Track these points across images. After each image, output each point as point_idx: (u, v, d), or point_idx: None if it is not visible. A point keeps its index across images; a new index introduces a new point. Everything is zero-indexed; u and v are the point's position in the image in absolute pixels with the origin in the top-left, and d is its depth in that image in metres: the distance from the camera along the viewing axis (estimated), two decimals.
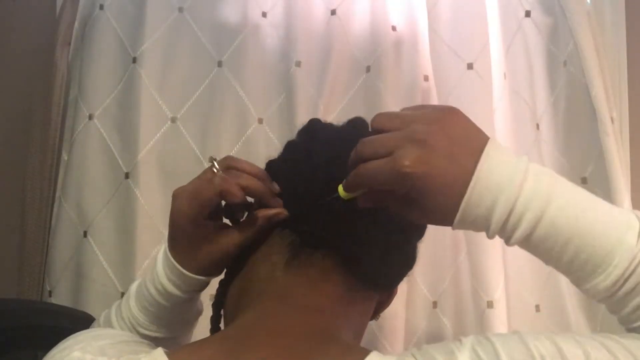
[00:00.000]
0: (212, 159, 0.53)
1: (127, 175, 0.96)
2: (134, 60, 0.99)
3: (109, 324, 0.61)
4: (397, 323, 0.94)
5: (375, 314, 0.59)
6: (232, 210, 0.55)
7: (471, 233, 0.96)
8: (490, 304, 0.93)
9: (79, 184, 0.97)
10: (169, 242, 0.55)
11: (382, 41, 1.03)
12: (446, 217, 0.43)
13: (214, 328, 0.57)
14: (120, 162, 0.97)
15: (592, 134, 0.99)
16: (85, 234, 0.95)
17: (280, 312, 0.49)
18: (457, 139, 0.42)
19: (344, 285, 0.51)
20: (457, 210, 0.42)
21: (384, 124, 0.45)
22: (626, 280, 0.40)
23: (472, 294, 0.96)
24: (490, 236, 0.43)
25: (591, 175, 1.00)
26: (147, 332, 0.59)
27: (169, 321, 0.59)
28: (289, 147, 0.59)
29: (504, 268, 0.97)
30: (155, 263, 0.57)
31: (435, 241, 0.99)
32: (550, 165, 1.04)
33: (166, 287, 0.56)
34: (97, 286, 0.93)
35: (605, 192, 0.97)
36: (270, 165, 0.58)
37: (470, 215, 0.42)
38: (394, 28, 1.04)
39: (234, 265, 0.56)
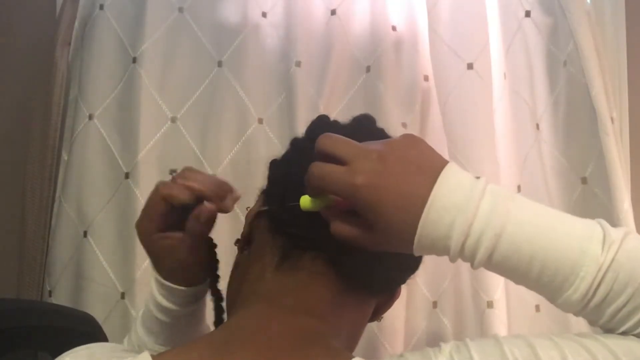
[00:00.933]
0: (172, 172, 0.54)
1: (127, 175, 0.96)
2: (134, 60, 0.99)
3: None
4: (397, 323, 0.94)
5: (376, 315, 0.57)
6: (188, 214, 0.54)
7: None
8: (490, 304, 0.93)
9: (79, 184, 0.97)
10: (153, 263, 0.57)
11: (382, 41, 1.03)
12: (404, 241, 0.42)
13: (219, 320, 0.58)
14: (120, 162, 0.97)
15: (592, 134, 0.99)
16: (85, 234, 0.95)
17: (267, 314, 0.49)
18: (414, 160, 0.42)
19: (334, 288, 0.50)
20: (414, 233, 0.41)
21: (337, 148, 0.44)
22: (596, 290, 0.40)
23: (472, 294, 0.96)
24: (452, 259, 0.42)
25: (591, 175, 1.00)
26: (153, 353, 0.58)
27: (178, 340, 0.59)
28: (292, 144, 0.58)
29: None
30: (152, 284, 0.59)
31: None
32: (550, 165, 1.04)
33: (161, 302, 0.57)
34: (97, 286, 0.93)
35: (605, 192, 0.97)
36: (272, 164, 0.58)
37: (429, 237, 0.41)
38: (394, 28, 1.04)
39: (235, 266, 0.56)
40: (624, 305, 0.40)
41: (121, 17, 1.02)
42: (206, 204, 0.51)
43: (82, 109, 0.99)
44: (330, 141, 0.44)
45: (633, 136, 1.09)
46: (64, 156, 0.99)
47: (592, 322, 0.43)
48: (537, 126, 1.05)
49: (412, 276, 0.57)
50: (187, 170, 0.53)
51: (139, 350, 0.55)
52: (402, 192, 0.41)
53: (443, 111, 1.01)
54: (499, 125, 1.02)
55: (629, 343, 0.40)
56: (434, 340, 0.97)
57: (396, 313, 0.94)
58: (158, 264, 0.56)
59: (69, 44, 1.01)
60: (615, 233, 0.41)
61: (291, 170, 0.53)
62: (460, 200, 0.40)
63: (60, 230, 0.96)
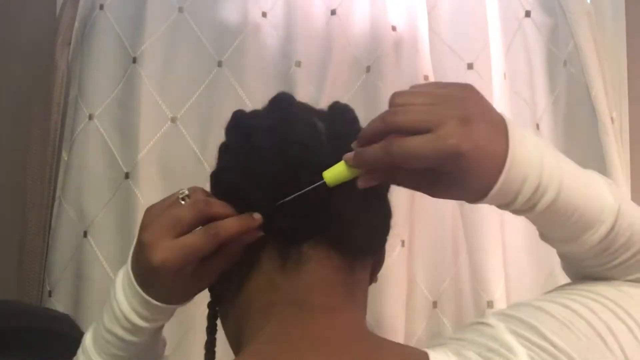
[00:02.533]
0: (183, 194, 0.50)
1: (127, 175, 0.96)
2: (134, 60, 0.99)
3: None
4: (397, 323, 0.94)
5: (372, 277, 0.56)
6: None
7: (471, 233, 0.96)
8: (490, 304, 0.93)
9: (79, 184, 0.97)
10: (141, 283, 0.50)
11: (382, 41, 1.03)
12: (478, 194, 0.44)
13: (210, 353, 0.55)
14: (120, 162, 0.97)
15: (592, 134, 0.99)
16: (85, 234, 0.95)
17: (304, 319, 0.47)
18: (488, 115, 0.44)
19: (343, 265, 0.49)
20: (490, 187, 0.42)
21: (411, 101, 0.43)
22: (610, 230, 0.46)
23: (472, 294, 0.96)
24: (514, 208, 0.45)
25: None
26: None
27: (144, 358, 0.56)
28: (225, 152, 0.54)
29: (504, 268, 0.97)
30: (112, 303, 0.52)
31: (435, 241, 0.99)
32: None
33: (136, 323, 0.51)
34: (97, 286, 0.93)
35: None
36: (216, 177, 0.53)
37: (502, 191, 0.43)
38: (394, 28, 1.04)
39: (220, 285, 0.53)
40: (624, 243, 0.46)
41: (121, 17, 1.02)
42: (259, 220, 0.48)
43: (82, 109, 0.99)
44: (403, 115, 0.43)
45: (633, 136, 1.09)
46: (64, 156, 0.99)
47: (601, 264, 0.48)
48: (537, 126, 1.05)
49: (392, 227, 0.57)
50: (204, 195, 0.50)
51: None
52: (488, 151, 0.42)
53: None
54: None
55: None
56: (434, 340, 0.97)
57: (396, 313, 0.94)
58: (167, 290, 0.50)
59: (69, 44, 1.01)
60: (612, 184, 0.48)
61: (244, 176, 0.50)
62: (529, 156, 0.43)
63: (60, 230, 0.96)
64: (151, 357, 0.58)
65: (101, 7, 1.01)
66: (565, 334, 0.42)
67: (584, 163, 1.04)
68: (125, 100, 0.99)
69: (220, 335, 0.56)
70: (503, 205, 0.45)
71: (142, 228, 0.49)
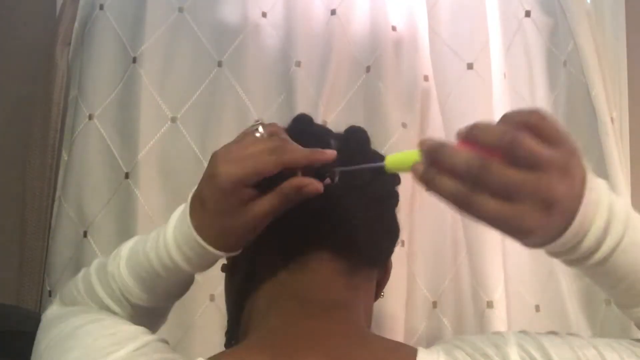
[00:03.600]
0: (257, 122, 0.50)
1: (127, 175, 0.96)
2: (134, 60, 0.99)
3: (92, 292, 0.56)
4: (397, 323, 0.94)
5: (378, 292, 0.59)
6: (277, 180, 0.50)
7: (471, 233, 0.96)
8: (490, 304, 0.93)
9: (79, 184, 0.97)
10: (196, 213, 0.49)
11: (382, 41, 1.03)
12: (537, 245, 0.42)
13: (230, 343, 0.56)
14: (120, 162, 0.97)
15: (592, 134, 0.99)
16: (85, 234, 0.95)
17: (305, 315, 0.50)
18: (573, 185, 0.40)
19: (346, 271, 0.52)
20: (559, 235, 0.41)
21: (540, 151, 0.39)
22: None
23: (472, 294, 0.96)
24: (566, 257, 0.44)
25: None
26: (136, 302, 0.54)
27: (163, 292, 0.55)
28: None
29: (504, 268, 0.96)
30: (162, 232, 0.51)
31: (435, 241, 0.99)
32: None
33: (177, 262, 0.50)
34: None
35: None
36: None
37: (567, 241, 0.41)
38: (394, 28, 1.04)
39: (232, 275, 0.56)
40: None
41: (121, 17, 1.02)
42: (305, 181, 0.47)
43: (82, 109, 0.99)
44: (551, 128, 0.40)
45: (633, 136, 1.09)
46: (64, 156, 0.99)
47: None
48: None
49: (398, 244, 0.61)
50: (276, 128, 0.50)
51: (119, 296, 0.54)
52: (575, 193, 0.40)
53: (443, 111, 1.01)
54: None
55: None
56: (434, 340, 0.97)
57: (396, 313, 0.94)
58: (219, 220, 0.47)
59: (69, 44, 1.01)
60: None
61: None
62: (597, 209, 0.41)
63: (60, 230, 0.96)
64: (174, 294, 0.58)
65: (101, 7, 1.01)
66: (567, 355, 0.42)
67: None
68: (125, 100, 0.99)
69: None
70: (559, 254, 0.44)
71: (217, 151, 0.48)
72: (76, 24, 1.02)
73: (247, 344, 0.50)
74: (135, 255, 0.53)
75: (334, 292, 0.51)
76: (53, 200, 0.98)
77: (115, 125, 0.99)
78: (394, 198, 0.57)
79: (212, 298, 0.94)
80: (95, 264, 0.58)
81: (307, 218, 0.50)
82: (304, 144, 0.49)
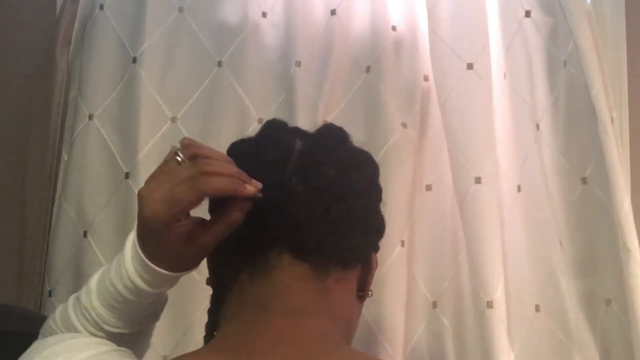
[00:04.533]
0: (174, 148, 0.50)
1: (127, 175, 0.96)
2: (134, 60, 0.99)
3: (67, 323, 0.57)
4: (396, 323, 0.94)
5: (363, 291, 0.57)
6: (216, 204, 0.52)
7: (471, 233, 0.96)
8: (490, 304, 0.93)
9: (79, 184, 0.97)
10: (139, 242, 0.51)
11: (382, 41, 1.03)
12: None
13: (209, 335, 0.56)
14: (120, 162, 0.97)
15: (592, 134, 0.99)
16: (85, 234, 0.95)
17: (264, 321, 0.49)
18: None
19: (310, 276, 0.50)
20: None
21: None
22: None
23: (472, 294, 0.96)
24: None
25: (591, 175, 1.00)
26: (113, 330, 0.55)
27: (137, 316, 0.57)
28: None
29: (504, 268, 0.96)
30: (121, 258, 0.54)
31: (435, 241, 0.99)
32: (550, 165, 1.04)
33: (138, 284, 0.52)
34: None
35: (605, 192, 0.96)
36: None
37: None
38: (394, 28, 1.04)
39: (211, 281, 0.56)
40: None
41: (121, 17, 1.02)
42: (250, 191, 0.48)
43: (82, 109, 0.99)
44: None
45: (633, 136, 1.09)
46: (64, 156, 0.99)
47: None
48: (537, 126, 1.05)
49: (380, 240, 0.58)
50: (195, 148, 0.50)
51: (95, 326, 0.55)
52: None
53: (443, 111, 1.01)
54: (499, 125, 1.02)
55: None
56: (434, 340, 0.97)
57: (396, 313, 0.94)
58: (161, 251, 0.50)
59: (69, 44, 1.01)
60: None
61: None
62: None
63: (60, 230, 0.96)
64: (149, 316, 0.59)
65: (101, 7, 1.01)
66: None
67: (584, 163, 1.04)
68: (125, 100, 0.99)
69: None
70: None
71: (144, 185, 0.51)
72: (76, 24, 1.02)
73: (208, 347, 0.50)
74: (103, 285, 0.55)
75: (297, 298, 0.50)
76: (53, 200, 0.98)
77: (115, 125, 0.99)
78: (370, 192, 0.56)
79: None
80: (71, 299, 0.59)
81: (263, 225, 0.50)
82: (256, 160, 0.51)
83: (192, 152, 0.49)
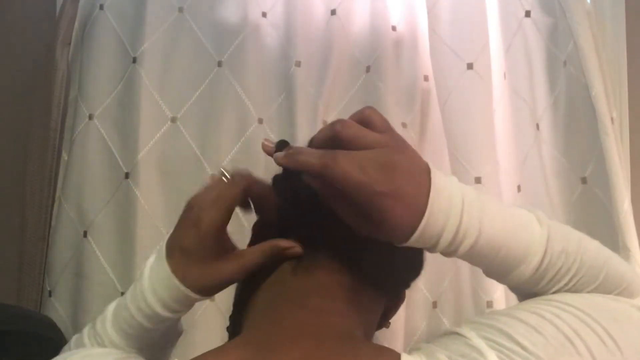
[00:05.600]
0: (223, 171, 0.54)
1: (127, 175, 0.96)
2: (134, 60, 0.99)
3: (80, 344, 0.57)
4: (396, 323, 0.94)
5: (384, 320, 0.59)
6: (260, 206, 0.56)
7: None
8: (490, 304, 0.93)
9: (79, 184, 0.97)
10: (174, 259, 0.52)
11: (382, 41, 1.03)
12: (400, 238, 0.46)
13: (234, 329, 0.56)
14: (120, 162, 0.97)
15: (592, 134, 0.99)
16: (85, 234, 0.95)
17: (296, 316, 0.50)
18: (412, 163, 0.46)
19: (349, 286, 0.52)
20: (412, 232, 0.45)
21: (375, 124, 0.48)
22: (542, 260, 0.48)
23: (472, 294, 0.96)
24: (438, 251, 0.48)
25: (591, 175, 1.00)
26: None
27: (151, 346, 0.57)
28: None
29: None
30: (139, 282, 0.54)
31: None
32: (550, 165, 1.04)
33: (154, 308, 0.52)
34: (97, 286, 0.93)
35: (605, 192, 0.97)
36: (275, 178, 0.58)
37: (425, 235, 0.46)
38: (394, 28, 1.04)
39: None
40: (560, 268, 0.49)
41: (121, 17, 1.02)
42: (287, 244, 0.52)
43: (82, 109, 0.99)
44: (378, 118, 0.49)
45: (633, 136, 1.09)
46: (64, 156, 0.99)
47: (530, 287, 0.51)
48: (537, 126, 1.05)
49: (415, 280, 0.60)
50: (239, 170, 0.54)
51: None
52: (407, 200, 0.44)
53: (443, 111, 1.01)
54: (499, 125, 1.02)
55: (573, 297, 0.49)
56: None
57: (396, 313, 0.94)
58: (201, 264, 0.51)
59: (69, 44, 1.01)
60: (540, 213, 0.51)
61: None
62: (450, 202, 0.46)
63: (60, 230, 0.96)
64: (162, 346, 0.60)
65: (101, 7, 1.01)
66: (534, 338, 0.43)
67: (584, 163, 1.04)
68: (125, 100, 0.99)
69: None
70: (428, 249, 0.48)
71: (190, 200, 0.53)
72: (76, 24, 1.02)
73: (236, 340, 0.50)
74: (120, 310, 0.55)
75: (333, 302, 0.51)
76: (53, 200, 0.98)
77: (115, 125, 0.99)
78: None
79: (212, 298, 0.94)
80: (86, 327, 0.59)
81: (315, 229, 0.52)
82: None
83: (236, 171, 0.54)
